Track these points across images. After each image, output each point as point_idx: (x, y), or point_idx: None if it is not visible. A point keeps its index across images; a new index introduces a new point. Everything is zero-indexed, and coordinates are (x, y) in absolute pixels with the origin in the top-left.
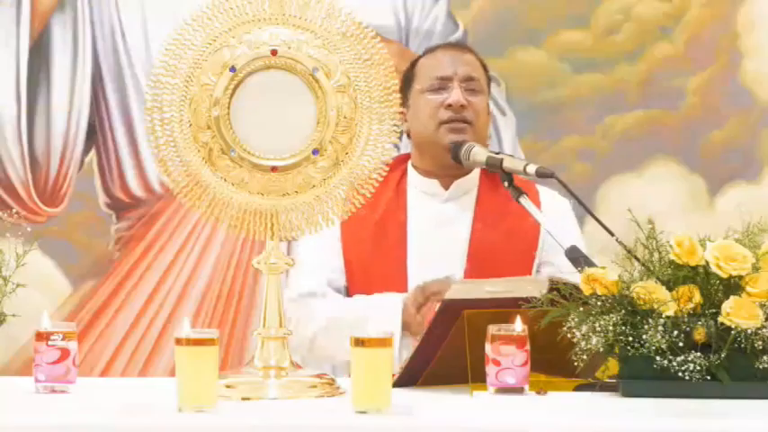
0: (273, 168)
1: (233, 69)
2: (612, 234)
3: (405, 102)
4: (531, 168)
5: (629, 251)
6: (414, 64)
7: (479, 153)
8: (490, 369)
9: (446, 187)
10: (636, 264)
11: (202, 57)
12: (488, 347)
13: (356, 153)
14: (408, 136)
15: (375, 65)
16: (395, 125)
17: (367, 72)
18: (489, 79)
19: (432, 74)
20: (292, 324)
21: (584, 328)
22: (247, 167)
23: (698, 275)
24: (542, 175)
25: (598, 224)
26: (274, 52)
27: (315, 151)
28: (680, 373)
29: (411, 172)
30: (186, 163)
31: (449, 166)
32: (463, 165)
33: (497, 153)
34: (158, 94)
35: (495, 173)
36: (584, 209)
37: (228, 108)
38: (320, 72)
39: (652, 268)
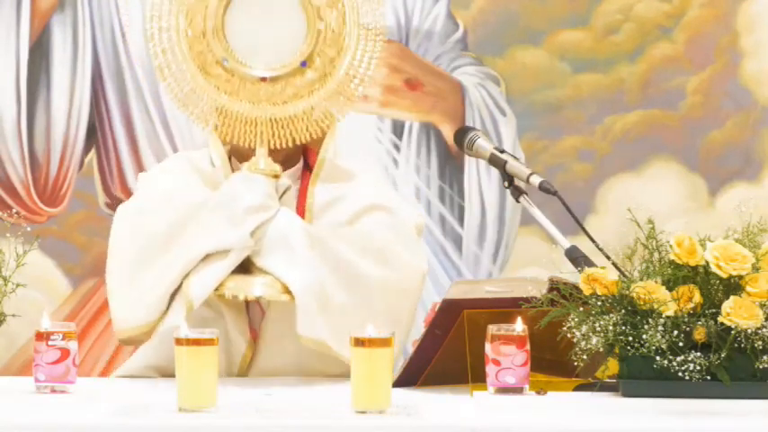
0: (263, 79)
1: None
2: (602, 250)
3: None
4: (535, 180)
5: (614, 264)
6: None
7: (484, 147)
8: (490, 369)
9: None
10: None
11: None
12: (488, 347)
13: (343, 66)
14: None
15: None
16: (380, 40)
17: None
18: None
19: None
20: None
21: (584, 328)
22: (239, 77)
23: (698, 275)
24: (545, 190)
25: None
26: None
27: (303, 63)
28: (680, 373)
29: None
30: (182, 71)
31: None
32: (464, 151)
33: (501, 151)
34: (158, 3)
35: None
36: (578, 226)
37: (223, 19)
38: None
39: (651, 270)
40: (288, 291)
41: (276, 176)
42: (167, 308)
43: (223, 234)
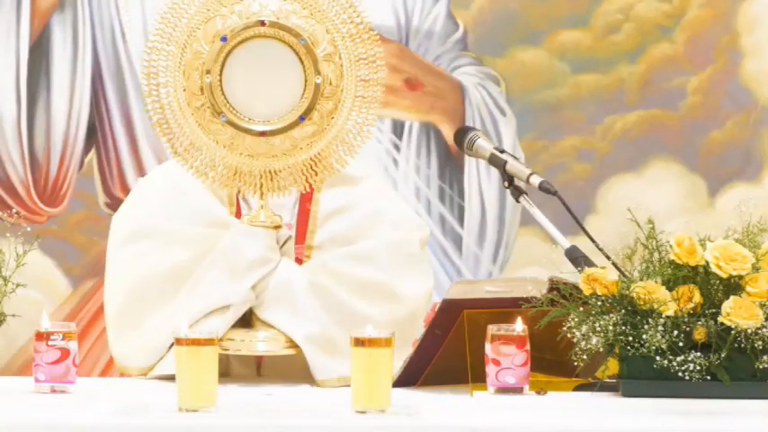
0: (262, 133)
1: (224, 39)
2: (602, 250)
3: None
4: (535, 180)
5: (614, 264)
6: None
7: (484, 147)
8: (490, 369)
9: None
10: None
11: (196, 25)
12: (488, 347)
13: (341, 118)
14: None
15: (360, 33)
16: (378, 92)
17: (353, 39)
18: None
19: None
20: None
21: (584, 328)
22: (237, 131)
23: (698, 275)
24: (545, 190)
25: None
26: (263, 23)
27: (301, 117)
28: (680, 373)
29: None
30: (181, 125)
31: None
32: (464, 151)
33: (501, 151)
34: (155, 59)
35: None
36: (578, 226)
37: (220, 75)
38: (307, 42)
39: (651, 270)
40: (291, 344)
41: (277, 227)
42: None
43: (224, 289)
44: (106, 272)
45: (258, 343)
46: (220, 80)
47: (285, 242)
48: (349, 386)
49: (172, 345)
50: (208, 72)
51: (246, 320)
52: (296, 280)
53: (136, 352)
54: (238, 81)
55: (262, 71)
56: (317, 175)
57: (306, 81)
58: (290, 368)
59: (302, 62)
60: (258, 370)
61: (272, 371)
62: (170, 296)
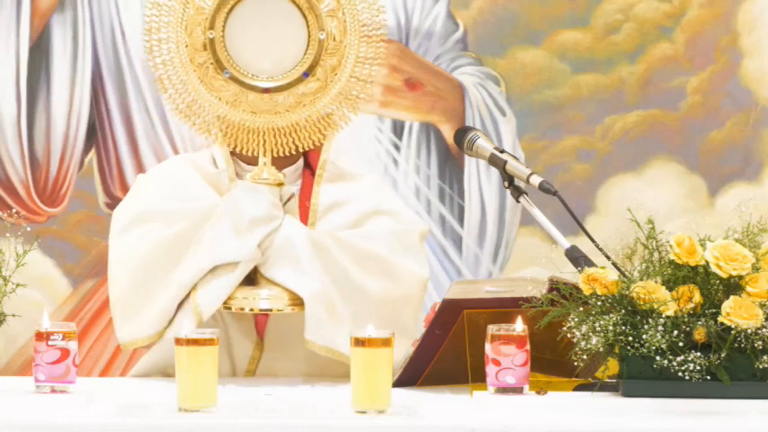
0: (266, 90)
1: None
2: (602, 250)
3: None
4: (535, 180)
5: (614, 264)
6: None
7: (484, 147)
8: (490, 369)
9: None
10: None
11: None
12: (488, 347)
13: (345, 75)
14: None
15: None
16: (381, 47)
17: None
18: None
19: None
20: None
21: (584, 328)
22: (240, 87)
23: (698, 275)
24: (545, 190)
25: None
26: None
27: (305, 73)
28: (680, 373)
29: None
30: (183, 82)
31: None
32: (464, 152)
33: (501, 151)
34: (156, 15)
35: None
36: (578, 226)
37: (223, 30)
38: None
39: (651, 270)
40: (295, 302)
41: (280, 185)
42: (173, 317)
43: (230, 246)
44: (109, 260)
45: (261, 300)
46: (223, 36)
47: (288, 200)
48: (330, 357)
49: (180, 305)
50: (211, 28)
51: (250, 278)
52: (300, 238)
53: (143, 322)
54: (241, 37)
55: (265, 27)
56: (320, 132)
57: (309, 37)
58: (293, 337)
59: (305, 17)
60: (261, 338)
61: (274, 338)
62: (172, 260)
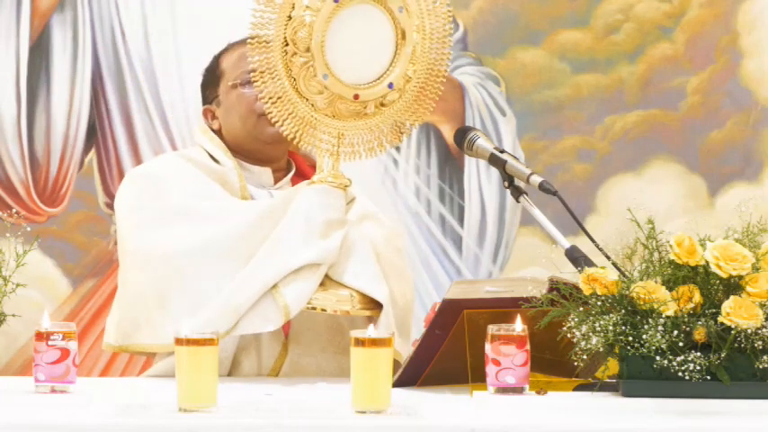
0: (356, 96)
1: (337, 0)
2: (602, 250)
3: (213, 99)
4: (535, 180)
5: (614, 264)
6: (217, 61)
7: (484, 147)
8: (490, 369)
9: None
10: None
11: None
12: (488, 347)
13: (414, 89)
14: (219, 133)
15: (436, 9)
16: (446, 65)
17: (430, 14)
18: None
19: (242, 68)
20: None
21: (584, 328)
22: (333, 92)
23: (698, 275)
24: (545, 190)
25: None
26: None
27: (390, 84)
28: (680, 373)
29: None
30: (278, 77)
31: (267, 160)
32: (464, 152)
33: (501, 151)
34: (264, 11)
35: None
36: (578, 226)
37: (325, 35)
38: (404, 11)
39: (651, 270)
40: (367, 306)
41: (345, 188)
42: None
43: (316, 247)
44: (129, 258)
45: (344, 303)
46: (323, 41)
47: (349, 203)
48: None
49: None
50: (316, 31)
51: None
52: (366, 242)
53: (197, 321)
54: (340, 43)
55: (360, 35)
56: (388, 140)
57: (397, 49)
58: (316, 337)
59: (395, 30)
60: (286, 338)
61: (299, 338)
62: (231, 262)
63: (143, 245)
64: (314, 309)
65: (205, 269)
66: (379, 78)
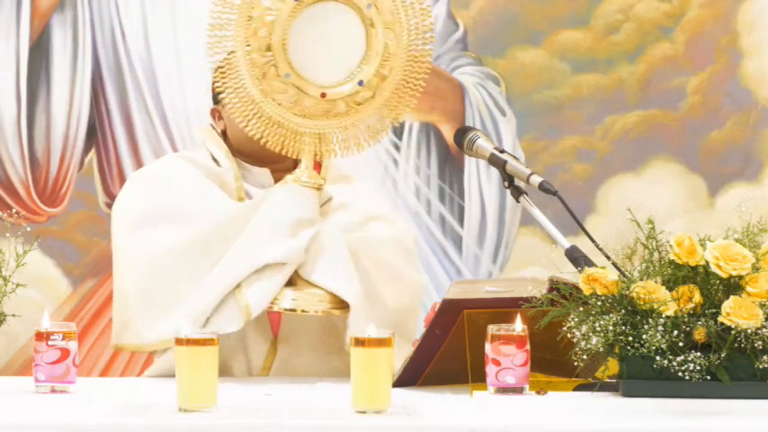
0: (323, 95)
1: None
2: (602, 250)
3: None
4: (535, 180)
5: (614, 264)
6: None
7: (484, 147)
8: (490, 369)
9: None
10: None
11: None
12: (488, 347)
13: (390, 87)
14: (224, 135)
15: (414, 4)
16: (427, 63)
17: (407, 10)
18: None
19: None
20: None
21: (584, 328)
22: (299, 91)
23: (698, 275)
24: (545, 190)
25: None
26: None
27: (360, 82)
28: (680, 373)
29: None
30: (240, 77)
31: (271, 161)
32: (464, 152)
33: (501, 151)
34: (222, 12)
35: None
36: (578, 226)
37: (288, 34)
38: (373, 8)
39: (651, 270)
40: (337, 305)
41: (319, 189)
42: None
43: (281, 246)
44: (120, 259)
45: (319, 303)
46: (287, 39)
47: (325, 203)
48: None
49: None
50: (277, 30)
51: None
52: (339, 242)
53: (177, 322)
54: (304, 42)
55: (326, 33)
56: (363, 140)
57: (368, 47)
58: (306, 336)
59: (366, 28)
60: (275, 337)
61: (288, 338)
62: (207, 264)
63: (129, 246)
64: (294, 311)
65: (183, 269)
66: (348, 77)
